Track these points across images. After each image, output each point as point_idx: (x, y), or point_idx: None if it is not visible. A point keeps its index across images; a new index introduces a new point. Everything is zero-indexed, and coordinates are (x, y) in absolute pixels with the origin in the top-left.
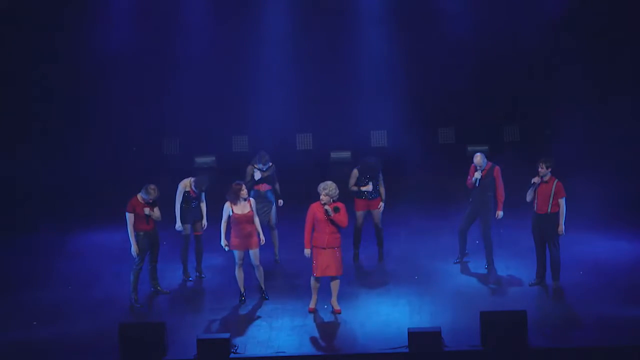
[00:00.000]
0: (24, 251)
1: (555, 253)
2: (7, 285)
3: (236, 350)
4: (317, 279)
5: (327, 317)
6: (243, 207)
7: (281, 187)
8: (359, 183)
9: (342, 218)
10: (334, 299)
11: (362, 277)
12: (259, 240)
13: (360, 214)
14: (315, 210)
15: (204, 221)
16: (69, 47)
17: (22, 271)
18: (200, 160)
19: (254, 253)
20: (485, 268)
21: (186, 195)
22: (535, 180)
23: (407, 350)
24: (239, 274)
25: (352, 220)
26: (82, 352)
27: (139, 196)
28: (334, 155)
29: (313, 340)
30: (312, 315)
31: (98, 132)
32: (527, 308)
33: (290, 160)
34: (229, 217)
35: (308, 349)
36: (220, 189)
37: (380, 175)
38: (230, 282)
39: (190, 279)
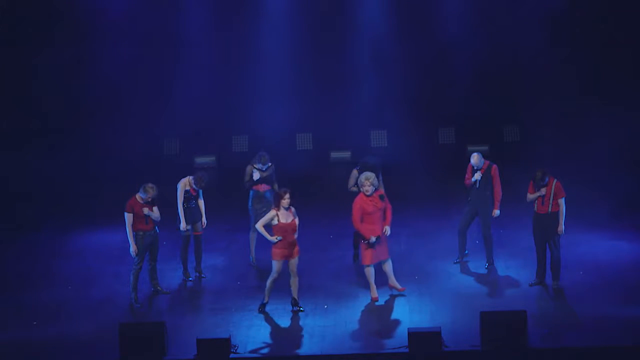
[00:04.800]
0: (24, 251)
1: (556, 253)
2: (7, 285)
3: (236, 350)
4: (371, 267)
5: (327, 318)
6: (287, 216)
7: (281, 187)
8: (358, 183)
9: (389, 205)
10: (393, 280)
11: (362, 277)
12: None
13: None
14: (362, 204)
15: (204, 219)
16: (70, 46)
17: (22, 271)
18: (200, 160)
19: (293, 262)
20: (486, 268)
21: (186, 194)
22: (542, 191)
23: (407, 350)
24: (271, 284)
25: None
26: (82, 352)
27: (138, 196)
28: (334, 155)
29: (313, 340)
30: (311, 315)
31: (98, 132)
32: (527, 308)
33: (290, 160)
34: (272, 225)
35: (308, 349)
36: (220, 189)
37: (380, 176)
38: (230, 282)
39: (190, 279)
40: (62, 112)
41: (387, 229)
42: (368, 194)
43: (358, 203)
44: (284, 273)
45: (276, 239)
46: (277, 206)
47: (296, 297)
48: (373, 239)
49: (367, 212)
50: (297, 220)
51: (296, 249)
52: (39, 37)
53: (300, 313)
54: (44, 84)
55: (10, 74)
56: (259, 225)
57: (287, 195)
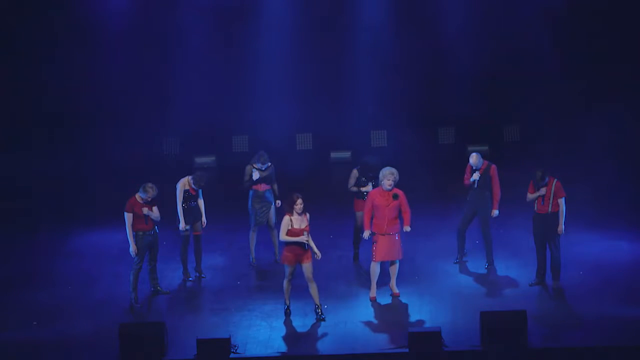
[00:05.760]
0: (24, 251)
1: (556, 253)
2: (7, 285)
3: (236, 350)
4: (377, 264)
5: (328, 317)
6: (301, 222)
7: (281, 187)
8: (358, 183)
9: (406, 208)
10: (392, 283)
11: (362, 277)
12: (312, 254)
13: (360, 214)
14: (374, 196)
15: (204, 219)
16: (69, 46)
17: (22, 271)
18: (200, 160)
19: (307, 267)
20: (485, 268)
21: (186, 194)
22: (542, 191)
23: (407, 350)
24: (287, 285)
25: (352, 221)
26: (82, 352)
27: (138, 196)
28: (334, 155)
29: (313, 340)
30: (311, 315)
31: (98, 132)
32: (527, 308)
33: (290, 160)
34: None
35: (308, 349)
36: (220, 189)
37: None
38: (230, 282)
39: (190, 279)
40: (62, 112)
41: (408, 228)
42: (388, 187)
43: (371, 195)
44: (283, 274)
45: (306, 239)
46: (290, 211)
47: (318, 303)
48: (366, 233)
49: (376, 204)
50: (308, 228)
51: (308, 253)
52: (42, 40)
53: (300, 313)
54: (45, 84)
55: (11, 75)
56: (282, 237)
57: (299, 201)
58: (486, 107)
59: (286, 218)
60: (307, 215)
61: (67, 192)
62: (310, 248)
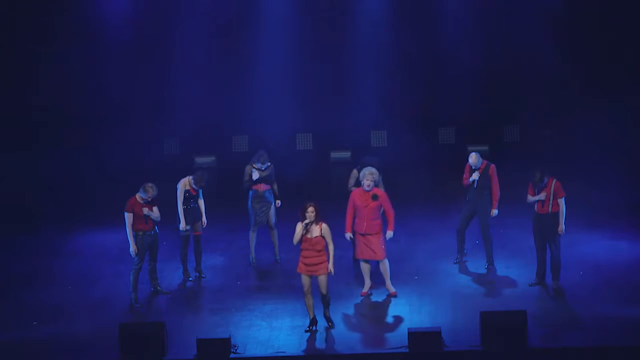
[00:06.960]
0: (24, 251)
1: (556, 253)
2: (7, 285)
3: (236, 350)
4: (365, 262)
5: None
6: (313, 231)
7: (281, 187)
8: (358, 183)
9: (389, 210)
10: (387, 283)
11: (362, 277)
12: (328, 267)
13: None
14: (354, 196)
15: (204, 219)
16: (70, 47)
17: (22, 271)
18: (200, 160)
19: (321, 280)
20: (485, 268)
21: (186, 194)
22: (542, 196)
23: (407, 350)
24: (307, 300)
25: None
26: (82, 352)
27: (138, 196)
28: (334, 155)
29: (313, 340)
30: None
31: (98, 132)
32: (527, 308)
33: (290, 160)
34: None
35: (308, 349)
36: (220, 189)
37: (380, 176)
38: (230, 282)
39: (190, 279)
40: (62, 112)
41: (390, 234)
42: (367, 188)
43: (352, 195)
44: (283, 274)
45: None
46: (302, 219)
47: (328, 314)
48: (347, 235)
49: (356, 205)
50: (325, 239)
51: (322, 266)
52: (42, 40)
53: (300, 313)
54: (45, 84)
55: (12, 76)
56: (295, 242)
57: (311, 209)
58: (486, 107)
59: (298, 225)
60: (323, 225)
61: (67, 192)
62: (328, 259)
